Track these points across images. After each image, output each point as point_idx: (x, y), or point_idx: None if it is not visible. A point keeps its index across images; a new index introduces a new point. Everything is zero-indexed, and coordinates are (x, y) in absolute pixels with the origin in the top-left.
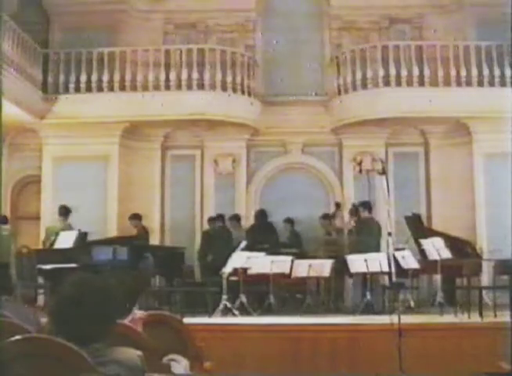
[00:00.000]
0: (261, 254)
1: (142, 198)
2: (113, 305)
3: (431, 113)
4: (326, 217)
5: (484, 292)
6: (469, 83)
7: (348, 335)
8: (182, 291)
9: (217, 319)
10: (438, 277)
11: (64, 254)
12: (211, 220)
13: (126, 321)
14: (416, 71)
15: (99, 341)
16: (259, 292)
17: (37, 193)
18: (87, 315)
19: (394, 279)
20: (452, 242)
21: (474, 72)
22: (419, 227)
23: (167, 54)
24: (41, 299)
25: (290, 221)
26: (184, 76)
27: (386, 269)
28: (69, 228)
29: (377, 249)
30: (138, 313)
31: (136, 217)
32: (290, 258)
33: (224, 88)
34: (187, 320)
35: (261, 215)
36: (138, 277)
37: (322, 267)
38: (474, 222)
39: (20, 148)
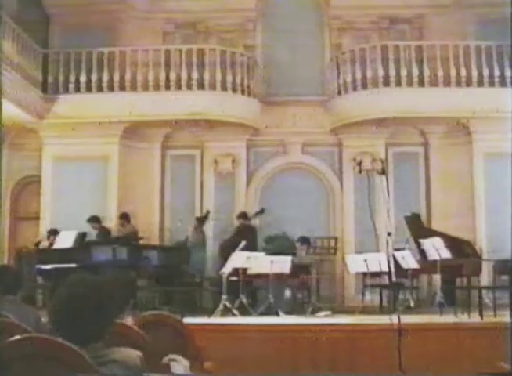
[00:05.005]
0: (261, 254)
1: (142, 198)
2: (112, 304)
3: (431, 113)
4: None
5: (484, 292)
6: (469, 83)
7: (348, 335)
8: (182, 291)
9: (217, 319)
10: (437, 277)
11: (64, 254)
12: None
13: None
14: (416, 71)
15: (98, 340)
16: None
17: (37, 193)
18: (86, 314)
19: (393, 279)
20: (452, 242)
21: (474, 72)
22: (418, 227)
23: (167, 54)
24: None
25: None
26: (184, 76)
27: (385, 268)
28: None
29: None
30: (129, 320)
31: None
32: (289, 257)
33: (224, 88)
34: (187, 320)
35: None
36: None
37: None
38: (474, 222)
39: (20, 148)
